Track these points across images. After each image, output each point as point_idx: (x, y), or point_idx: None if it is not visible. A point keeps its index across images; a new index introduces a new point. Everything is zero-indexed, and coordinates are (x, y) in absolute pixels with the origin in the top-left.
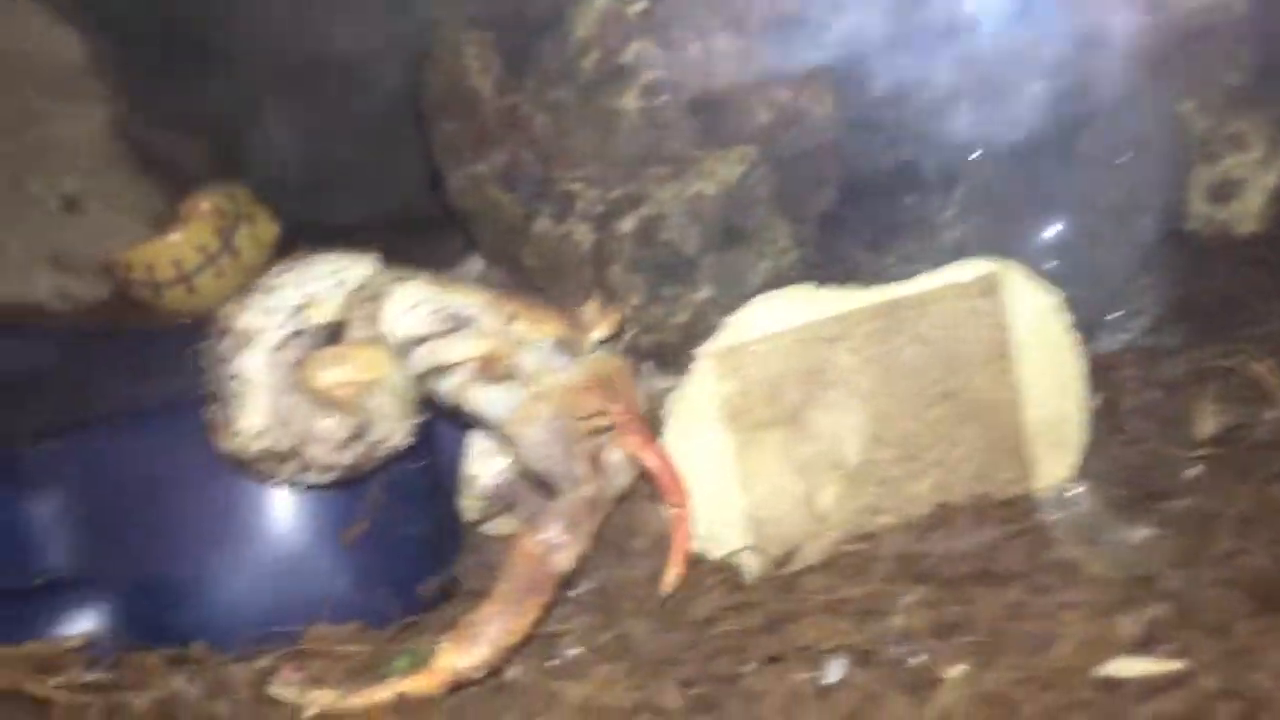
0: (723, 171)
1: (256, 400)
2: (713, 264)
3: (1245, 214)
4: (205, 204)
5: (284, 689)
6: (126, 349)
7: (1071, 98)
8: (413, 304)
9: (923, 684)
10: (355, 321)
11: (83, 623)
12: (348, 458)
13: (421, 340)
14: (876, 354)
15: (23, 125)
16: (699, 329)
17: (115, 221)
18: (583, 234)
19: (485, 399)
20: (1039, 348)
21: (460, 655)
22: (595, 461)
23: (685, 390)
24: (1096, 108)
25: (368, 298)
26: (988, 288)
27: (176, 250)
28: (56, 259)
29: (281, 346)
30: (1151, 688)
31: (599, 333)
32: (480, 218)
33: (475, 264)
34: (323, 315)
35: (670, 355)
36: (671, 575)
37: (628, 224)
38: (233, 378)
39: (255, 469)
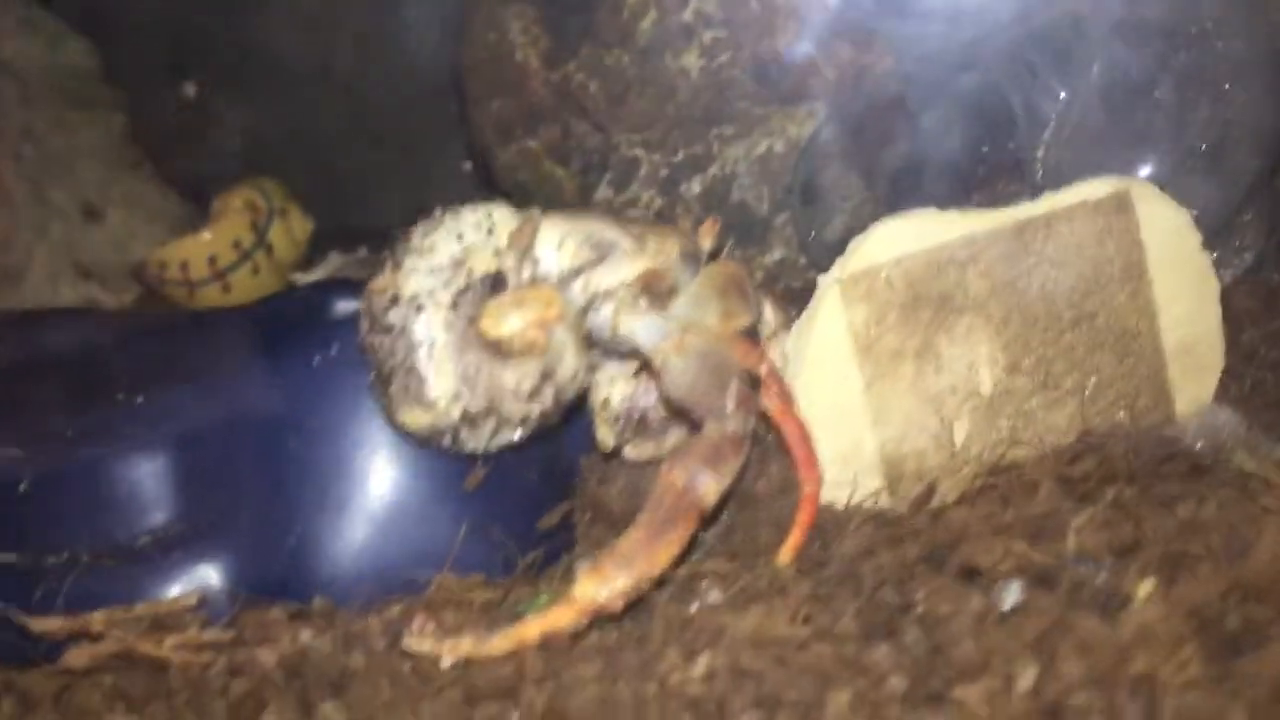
0: (791, 129)
1: (444, 364)
2: (786, 223)
3: None
4: (238, 200)
5: (419, 641)
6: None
7: (1157, 26)
8: (559, 240)
9: (1112, 603)
10: (513, 267)
11: (195, 582)
12: (539, 406)
13: (578, 272)
14: (1008, 277)
15: (43, 135)
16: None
17: (136, 227)
18: (648, 199)
19: (640, 325)
20: (1173, 267)
21: (600, 585)
22: (742, 399)
23: (810, 320)
24: (1185, 43)
25: (519, 242)
26: (1120, 205)
27: (211, 247)
28: (81, 267)
29: (455, 304)
30: None
31: (707, 242)
32: (535, 194)
33: None
34: (483, 266)
35: None
36: (789, 549)
37: (695, 186)
38: (416, 346)
39: (450, 438)
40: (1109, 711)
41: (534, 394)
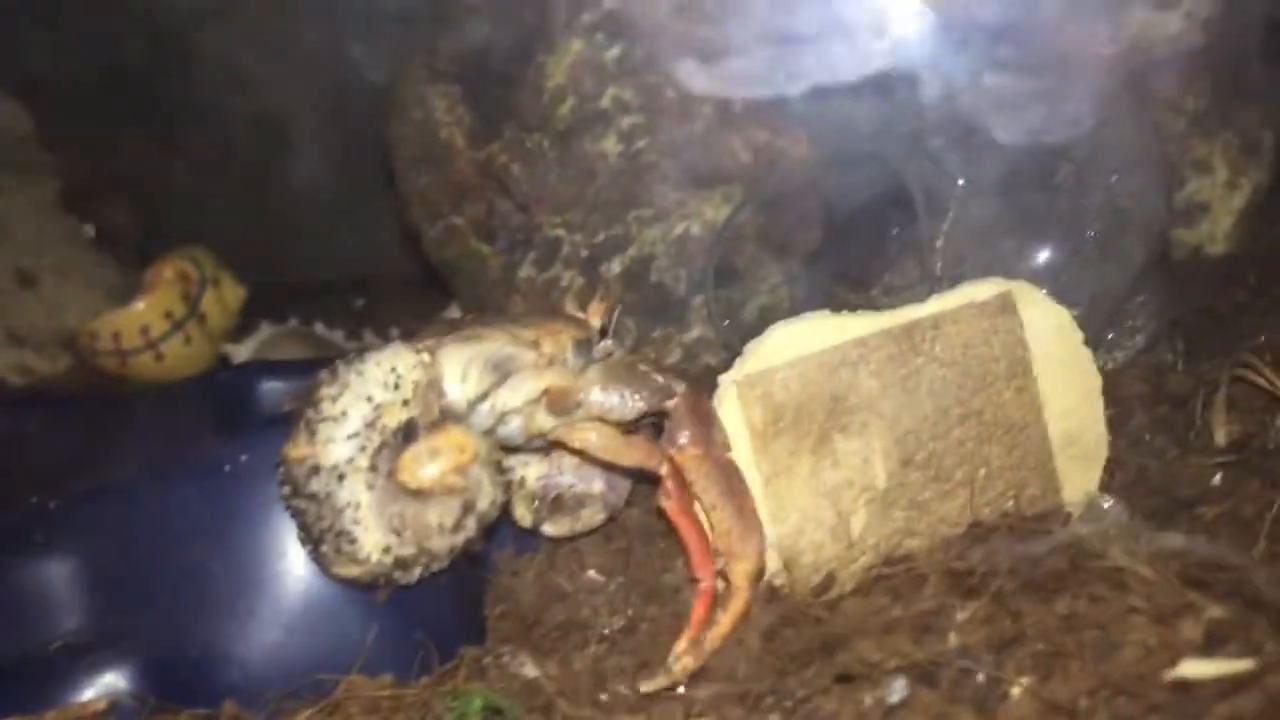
0: (708, 212)
1: (370, 522)
2: (704, 303)
3: (1215, 235)
4: (169, 270)
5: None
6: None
7: (1050, 126)
8: (461, 372)
9: (990, 700)
10: (423, 410)
11: (106, 687)
12: (465, 535)
13: (484, 397)
14: (898, 376)
15: None
16: (692, 369)
17: (69, 294)
18: (569, 279)
19: (554, 422)
20: (1057, 363)
21: (745, 562)
22: (662, 368)
23: None
24: (1077, 134)
25: (425, 384)
26: (1004, 306)
27: (143, 318)
28: (13, 333)
29: (374, 465)
30: (1225, 687)
31: (597, 320)
32: (461, 270)
33: (453, 313)
34: (394, 419)
35: None
36: (683, 644)
37: (615, 266)
38: (341, 510)
39: (384, 581)
40: None
41: (458, 527)
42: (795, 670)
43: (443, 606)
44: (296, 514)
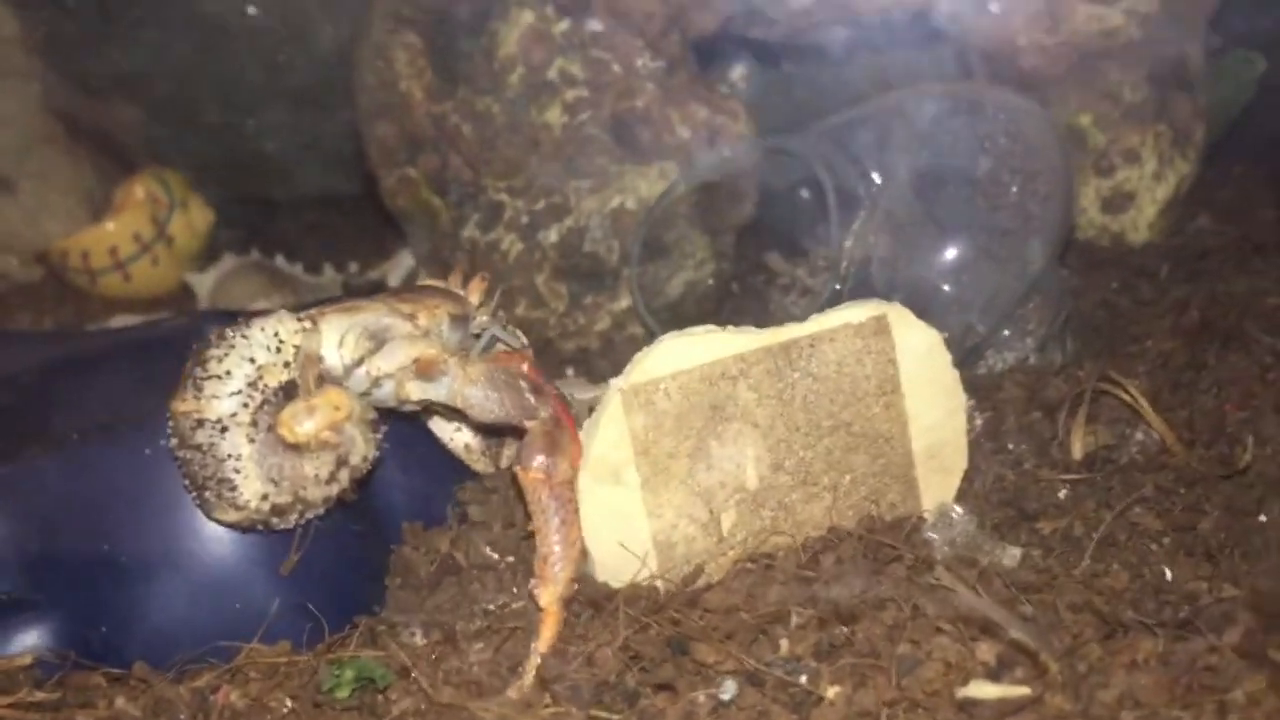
0: (643, 187)
1: (250, 471)
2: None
3: (1138, 224)
4: (139, 190)
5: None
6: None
7: (966, 123)
8: (339, 338)
9: (807, 703)
10: (301, 371)
11: (28, 641)
12: (337, 487)
13: (359, 362)
14: (774, 389)
15: None
16: (619, 337)
17: (49, 200)
18: (510, 242)
19: (422, 389)
20: (925, 381)
21: (556, 586)
22: (537, 389)
23: (595, 423)
24: (990, 133)
25: (304, 349)
26: (878, 328)
27: (112, 238)
28: None
29: (255, 420)
30: (1005, 709)
31: (476, 297)
32: (413, 219)
33: (405, 259)
34: (275, 379)
35: (591, 360)
36: (532, 663)
37: (552, 235)
38: (224, 460)
39: (262, 525)
40: None
41: (332, 479)
42: (640, 668)
43: (344, 577)
44: (183, 464)
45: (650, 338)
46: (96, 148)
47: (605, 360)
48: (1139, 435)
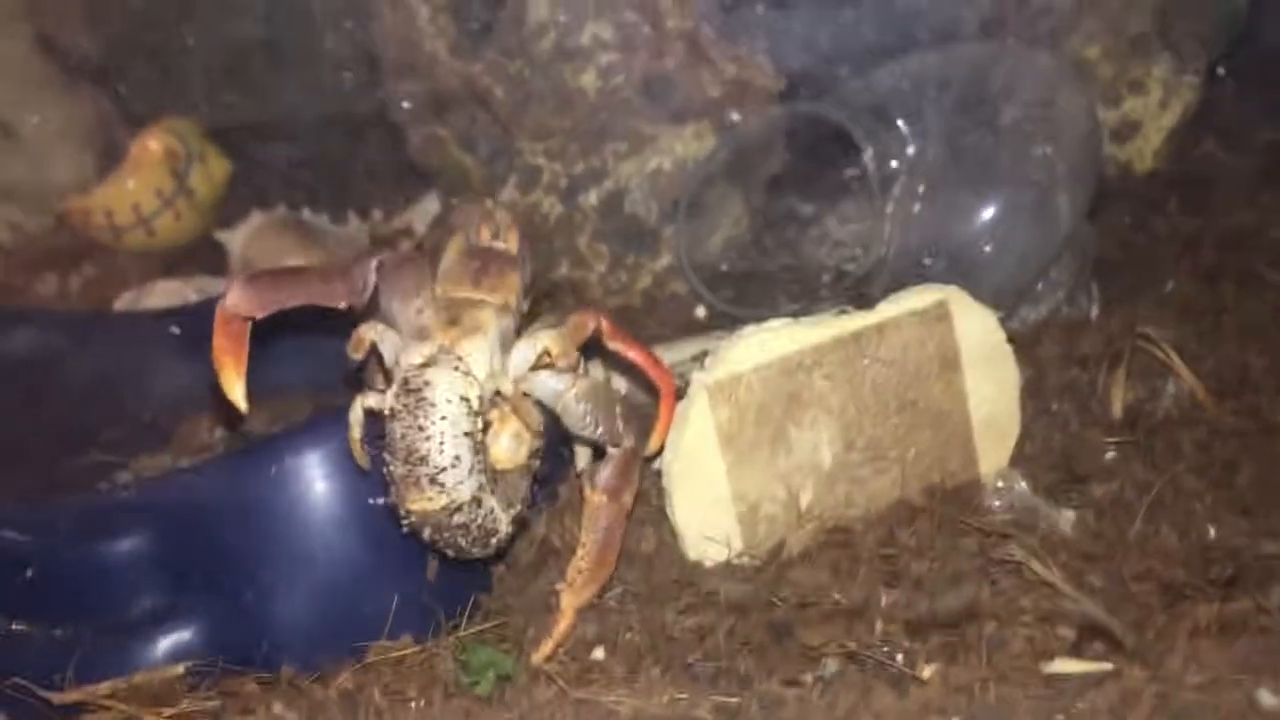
0: (679, 148)
1: (499, 512)
2: (673, 235)
3: (1144, 153)
4: (156, 145)
5: None
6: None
7: (996, 80)
8: (487, 364)
9: (905, 680)
10: (515, 409)
11: (175, 650)
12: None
13: (504, 373)
14: (846, 376)
15: None
16: (661, 295)
17: (54, 146)
18: (550, 205)
19: (538, 385)
20: (982, 359)
21: (578, 597)
22: (628, 419)
23: (683, 418)
24: (1019, 88)
25: (506, 394)
26: (940, 313)
27: (134, 195)
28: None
29: (485, 472)
30: (1089, 683)
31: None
32: (444, 175)
33: (430, 205)
34: (477, 430)
35: (635, 318)
36: (656, 439)
37: (592, 198)
38: (484, 519)
39: (449, 527)
40: None
41: (527, 473)
42: (750, 652)
43: (456, 568)
44: (445, 545)
45: (693, 295)
46: (95, 89)
47: (650, 318)
48: (1170, 388)
